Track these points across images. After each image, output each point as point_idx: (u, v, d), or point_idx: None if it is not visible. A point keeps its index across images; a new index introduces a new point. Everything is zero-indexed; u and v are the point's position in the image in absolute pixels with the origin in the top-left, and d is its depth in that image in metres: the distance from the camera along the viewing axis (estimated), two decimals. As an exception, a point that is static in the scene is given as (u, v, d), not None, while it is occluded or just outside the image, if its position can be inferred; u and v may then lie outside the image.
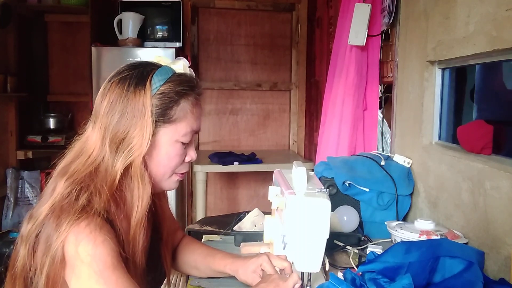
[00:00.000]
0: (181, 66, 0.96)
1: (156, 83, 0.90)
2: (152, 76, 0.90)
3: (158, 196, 1.05)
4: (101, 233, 0.81)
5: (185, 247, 1.17)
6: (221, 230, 1.54)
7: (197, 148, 3.67)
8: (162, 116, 0.90)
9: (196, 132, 0.96)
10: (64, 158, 0.92)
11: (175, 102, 0.91)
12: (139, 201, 0.89)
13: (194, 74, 0.98)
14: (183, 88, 0.92)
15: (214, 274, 1.12)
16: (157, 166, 0.93)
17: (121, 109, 0.88)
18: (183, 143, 0.94)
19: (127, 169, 0.89)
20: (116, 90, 0.89)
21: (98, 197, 0.84)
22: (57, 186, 0.86)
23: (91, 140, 0.90)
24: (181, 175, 0.98)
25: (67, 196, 0.84)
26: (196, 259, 1.14)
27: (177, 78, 0.93)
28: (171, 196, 3.10)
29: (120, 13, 3.14)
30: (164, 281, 1.12)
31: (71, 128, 3.33)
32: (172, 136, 0.92)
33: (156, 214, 1.05)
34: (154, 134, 0.89)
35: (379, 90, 1.94)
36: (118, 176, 0.87)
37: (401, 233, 1.25)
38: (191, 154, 0.97)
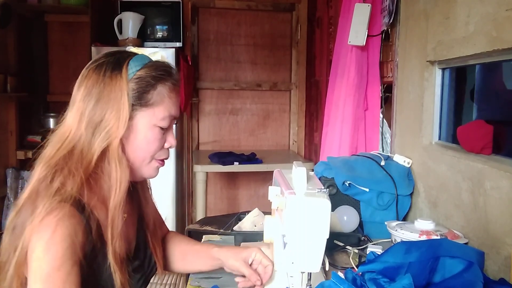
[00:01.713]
0: (159, 57, 0.97)
1: (133, 68, 0.91)
2: (128, 62, 0.91)
3: (141, 185, 1.06)
4: (67, 227, 0.79)
5: (170, 240, 1.19)
6: (221, 230, 1.54)
7: (197, 148, 3.67)
8: (139, 100, 0.90)
9: (174, 118, 0.97)
10: (45, 147, 0.93)
11: (152, 86, 0.92)
12: (117, 183, 0.89)
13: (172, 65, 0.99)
14: (160, 73, 0.93)
15: (201, 265, 1.13)
16: (135, 150, 0.93)
17: (97, 94, 0.89)
18: (161, 128, 0.94)
19: (104, 153, 0.89)
20: (92, 76, 0.90)
21: (72, 179, 0.84)
22: (35, 172, 0.87)
23: (67, 124, 0.91)
24: (161, 161, 0.98)
25: (43, 180, 0.84)
26: (184, 249, 1.15)
27: (153, 64, 0.94)
28: (171, 196, 3.10)
29: (120, 13, 3.14)
30: (160, 279, 1.12)
31: (71, 128, 3.32)
32: (150, 120, 0.92)
33: (140, 205, 1.06)
34: (131, 117, 0.90)
35: (380, 90, 1.94)
36: (95, 158, 0.87)
37: (401, 233, 1.25)
38: (170, 141, 0.98)
